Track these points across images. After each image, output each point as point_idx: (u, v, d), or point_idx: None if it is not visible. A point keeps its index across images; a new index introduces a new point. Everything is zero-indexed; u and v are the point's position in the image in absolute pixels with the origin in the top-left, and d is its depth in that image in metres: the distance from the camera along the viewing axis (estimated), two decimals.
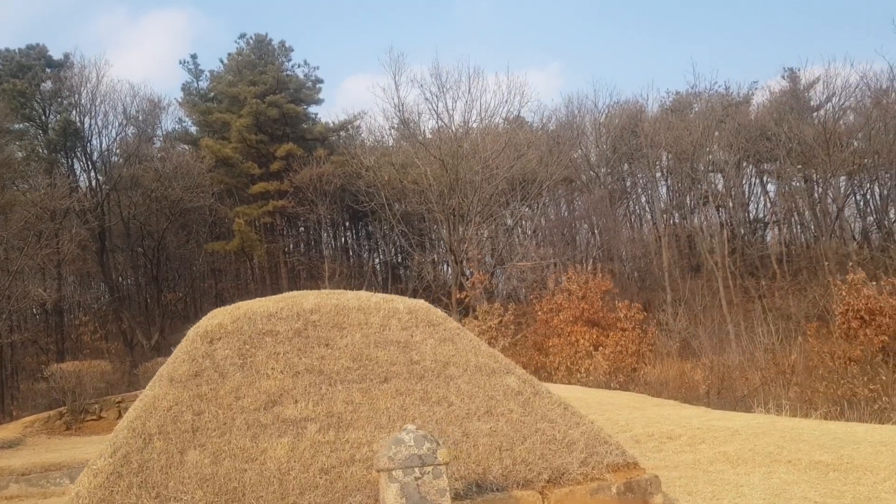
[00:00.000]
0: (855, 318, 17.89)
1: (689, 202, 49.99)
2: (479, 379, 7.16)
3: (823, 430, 9.74)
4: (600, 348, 24.52)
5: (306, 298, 7.54)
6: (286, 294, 7.79)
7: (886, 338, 17.22)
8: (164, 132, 39.73)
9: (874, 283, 18.93)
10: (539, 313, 27.88)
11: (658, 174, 51.57)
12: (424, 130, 41.04)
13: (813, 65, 71.14)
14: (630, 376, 23.13)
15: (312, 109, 42.42)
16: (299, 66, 41.52)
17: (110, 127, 36.04)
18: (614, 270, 44.58)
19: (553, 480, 6.42)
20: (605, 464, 6.69)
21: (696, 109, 50.76)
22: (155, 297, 37.15)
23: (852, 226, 49.29)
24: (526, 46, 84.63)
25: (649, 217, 51.32)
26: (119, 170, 35.80)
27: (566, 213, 50.70)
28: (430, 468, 5.27)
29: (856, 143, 45.00)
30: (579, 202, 50.48)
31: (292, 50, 41.00)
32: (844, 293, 18.92)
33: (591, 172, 49.67)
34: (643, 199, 51.71)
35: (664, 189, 52.39)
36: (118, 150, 36.94)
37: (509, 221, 44.50)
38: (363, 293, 7.90)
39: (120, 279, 38.80)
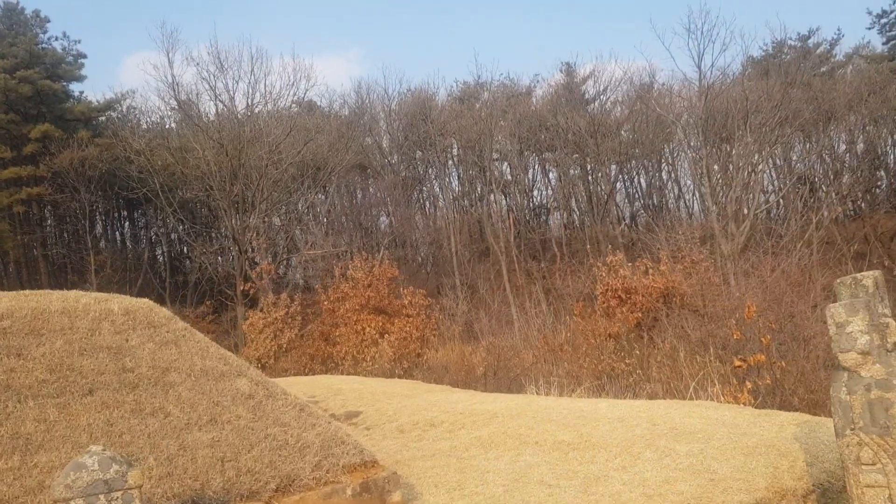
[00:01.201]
0: (613, 297, 19.15)
1: (478, 189, 51.56)
2: (204, 384, 6.52)
3: (571, 409, 10.11)
4: (386, 335, 24.47)
5: None
6: None
7: (640, 314, 18.59)
8: None
9: (630, 263, 20.42)
10: (325, 303, 27.31)
11: (449, 162, 52.78)
12: (206, 112, 38.89)
13: (584, 60, 76.11)
14: (414, 362, 23.31)
15: (75, 87, 38.66)
16: (57, 39, 37.51)
17: None
18: (407, 257, 45.05)
19: (282, 489, 5.97)
20: (340, 465, 6.34)
21: (483, 99, 52.50)
22: None
23: (622, 210, 53.61)
24: (321, 31, 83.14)
25: (441, 204, 52.32)
26: None
27: (360, 201, 50.43)
28: (118, 493, 4.60)
29: (624, 135, 48.87)
30: (372, 189, 50.42)
31: (48, 21, 36.91)
32: (604, 274, 20.23)
33: (384, 160, 49.76)
34: (435, 187, 52.63)
35: (455, 176, 53.75)
36: None
37: (300, 209, 43.45)
38: (73, 293, 6.95)
39: None
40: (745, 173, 29.69)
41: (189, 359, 6.65)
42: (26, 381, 5.90)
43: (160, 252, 44.89)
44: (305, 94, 40.58)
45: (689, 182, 48.72)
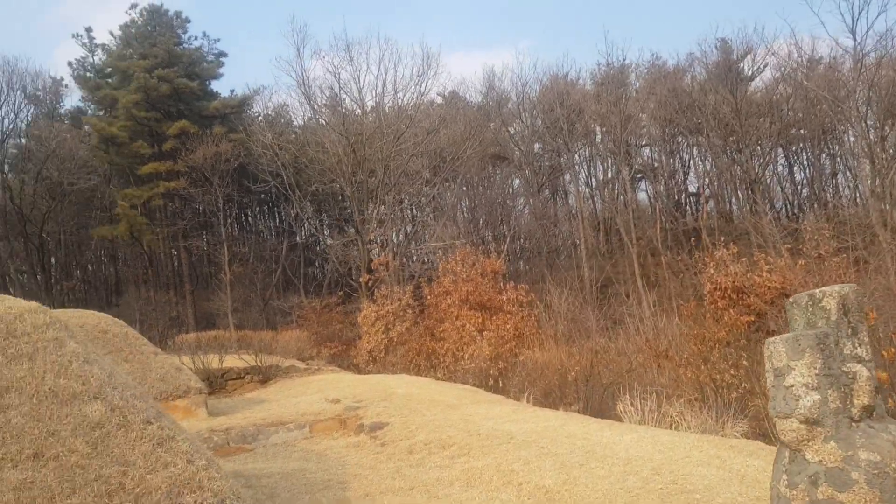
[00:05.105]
0: (722, 297, 16.60)
1: (621, 177, 48.68)
2: (46, 409, 5.49)
3: (590, 440, 8.33)
4: (484, 333, 23.09)
5: None
6: None
7: (753, 318, 15.94)
8: (45, 111, 37.25)
9: (744, 259, 17.65)
10: (429, 297, 26.33)
11: (589, 149, 50.33)
12: (335, 104, 39.15)
13: (726, 33, 69.20)
14: (510, 362, 21.74)
15: (214, 85, 40.21)
16: (196, 39, 39.20)
17: None
18: (534, 249, 43.29)
19: None
20: None
21: (628, 82, 49.45)
22: (43, 286, 34.97)
23: (789, 197, 48.79)
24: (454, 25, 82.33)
25: (582, 192, 49.98)
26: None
27: (493, 192, 49.11)
28: None
29: (789, 115, 44.22)
30: (503, 179, 48.96)
31: (189, 21, 38.66)
32: (712, 270, 17.64)
33: (519, 148, 48.12)
34: (571, 176, 50.28)
35: (595, 164, 51.20)
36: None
37: (426, 200, 42.86)
38: None
39: (6, 268, 36.50)
40: None
41: (39, 377, 5.67)
42: None
43: (300, 243, 46.04)
44: (430, 84, 39.72)
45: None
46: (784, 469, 3.05)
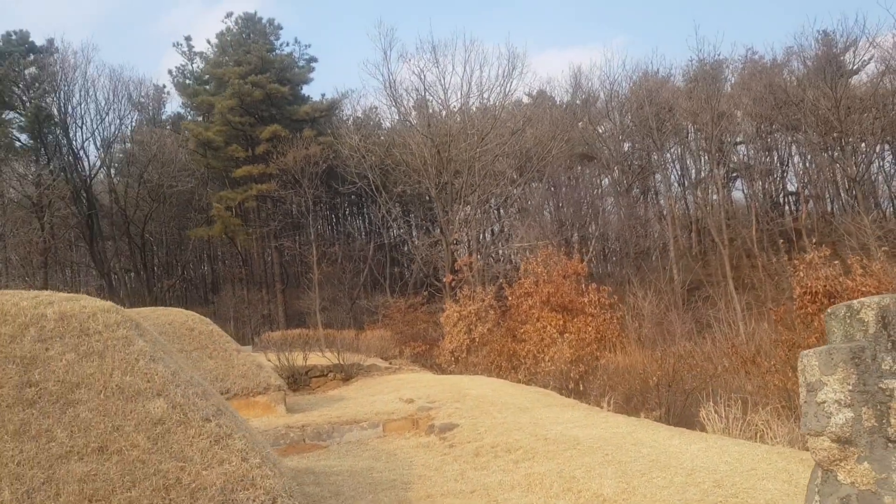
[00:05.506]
0: (812, 301, 15.81)
1: (713, 176, 47.08)
2: (112, 404, 5.76)
3: (656, 448, 8.12)
4: (565, 335, 22.79)
5: None
6: None
7: None
8: (148, 117, 39.16)
9: (836, 261, 16.74)
10: (510, 298, 26.21)
11: (681, 147, 48.96)
12: (421, 106, 39.51)
13: (822, 24, 65.72)
14: (591, 365, 21.39)
15: (304, 89, 41.29)
16: (288, 45, 40.38)
17: (97, 113, 35.72)
18: (622, 250, 42.41)
19: None
20: None
21: (722, 78, 47.76)
22: (145, 284, 36.76)
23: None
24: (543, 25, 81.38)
25: (673, 191, 48.68)
26: (105, 154, 35.48)
27: (578, 192, 48.38)
28: None
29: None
30: (590, 178, 48.15)
31: (281, 28, 39.92)
32: (802, 273, 16.80)
33: (606, 149, 47.23)
34: (662, 175, 48.97)
35: (687, 163, 49.73)
36: (105, 136, 36.61)
37: (511, 200, 42.66)
38: (22, 293, 6.58)
39: (112, 267, 38.59)
40: None
41: (107, 374, 5.94)
42: None
43: (386, 243, 46.68)
44: (515, 84, 39.59)
45: None
46: (816, 489, 2.88)
